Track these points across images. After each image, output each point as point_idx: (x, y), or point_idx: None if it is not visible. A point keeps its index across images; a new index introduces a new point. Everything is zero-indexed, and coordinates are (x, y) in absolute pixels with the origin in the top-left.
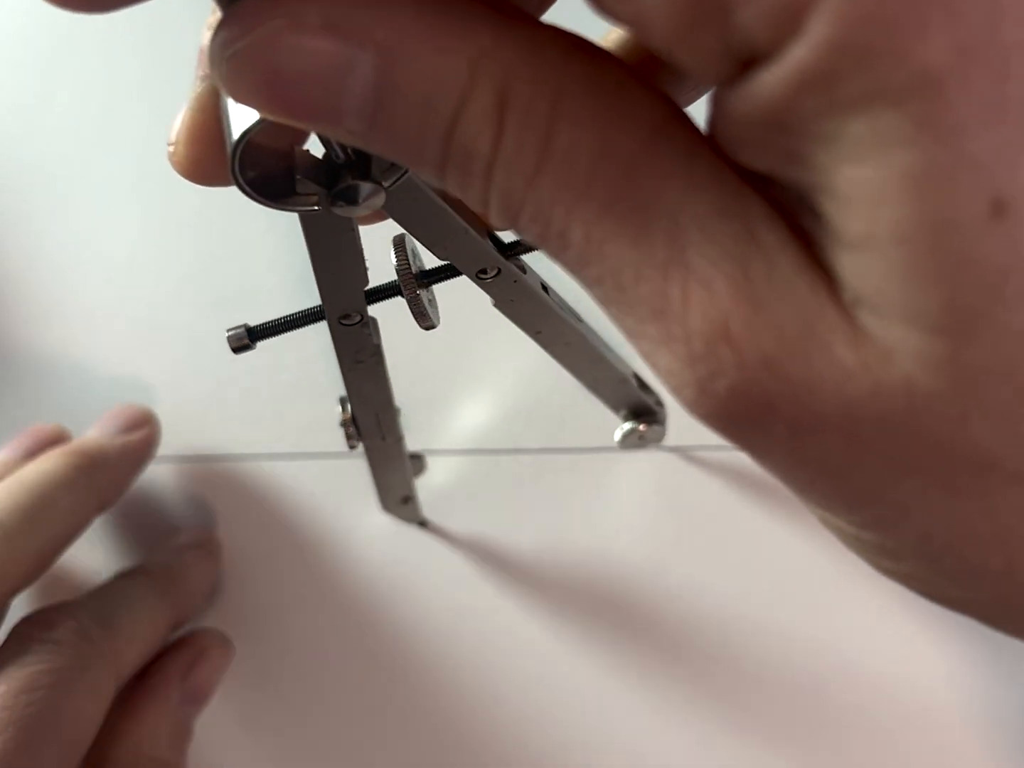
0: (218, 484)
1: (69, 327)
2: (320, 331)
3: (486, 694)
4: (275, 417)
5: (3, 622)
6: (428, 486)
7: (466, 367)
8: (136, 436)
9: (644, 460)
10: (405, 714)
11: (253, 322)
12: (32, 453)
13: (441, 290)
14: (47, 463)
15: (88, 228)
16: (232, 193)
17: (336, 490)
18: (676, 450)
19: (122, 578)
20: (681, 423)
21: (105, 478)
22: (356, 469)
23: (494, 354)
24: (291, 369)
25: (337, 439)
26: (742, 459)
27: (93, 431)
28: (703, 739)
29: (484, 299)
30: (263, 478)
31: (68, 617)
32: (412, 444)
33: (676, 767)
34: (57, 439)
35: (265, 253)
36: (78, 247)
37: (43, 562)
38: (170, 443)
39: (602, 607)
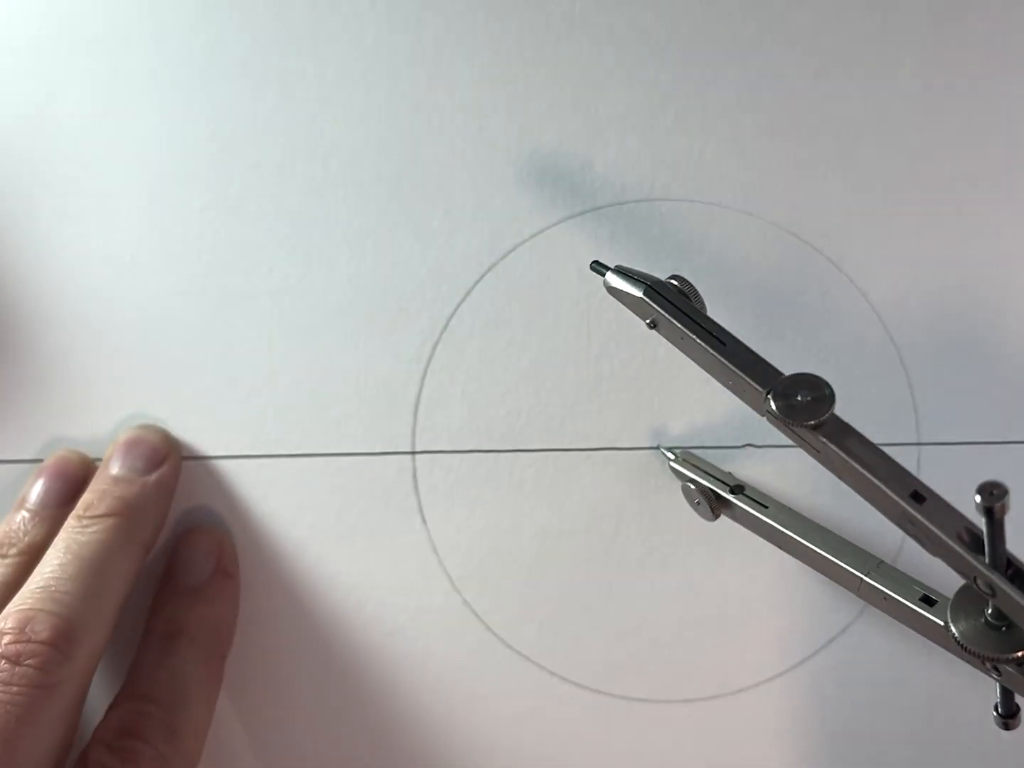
0: (219, 484)
1: (72, 327)
2: (319, 330)
3: (485, 692)
4: (277, 417)
5: (86, 697)
6: (428, 486)
7: (464, 367)
8: (165, 471)
9: (643, 459)
10: (404, 712)
11: (253, 322)
12: (66, 499)
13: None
14: (98, 534)
15: (92, 229)
16: (235, 194)
17: (338, 490)
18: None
19: (172, 658)
20: (682, 422)
21: (148, 527)
22: (358, 469)
23: (493, 355)
24: (292, 370)
25: (337, 439)
26: (739, 459)
27: (117, 465)
28: (702, 737)
29: (486, 303)
30: (264, 478)
31: (149, 747)
32: (415, 444)
33: (673, 766)
34: (85, 475)
35: (267, 254)
36: (81, 247)
37: (111, 626)
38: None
39: (602, 606)
